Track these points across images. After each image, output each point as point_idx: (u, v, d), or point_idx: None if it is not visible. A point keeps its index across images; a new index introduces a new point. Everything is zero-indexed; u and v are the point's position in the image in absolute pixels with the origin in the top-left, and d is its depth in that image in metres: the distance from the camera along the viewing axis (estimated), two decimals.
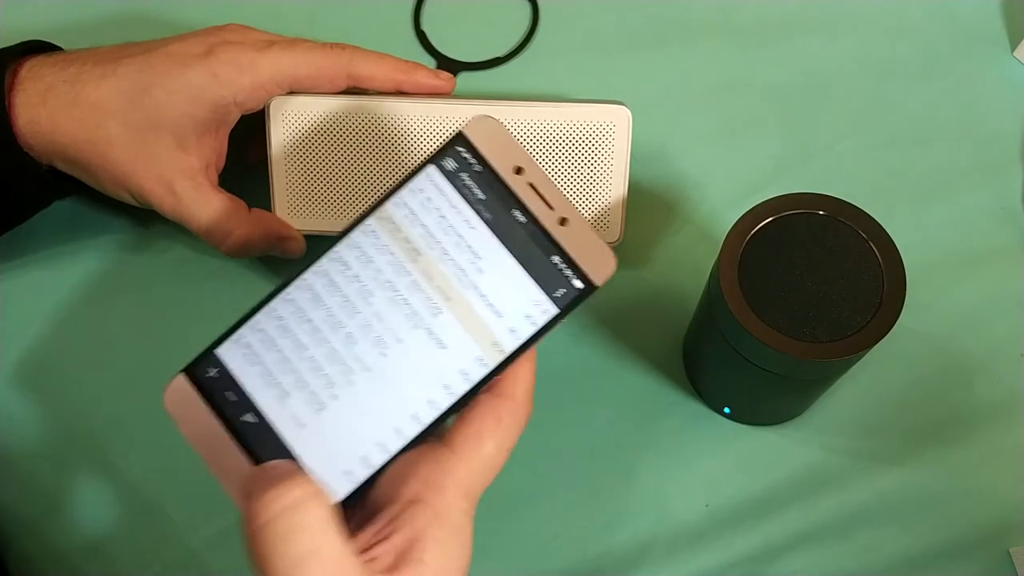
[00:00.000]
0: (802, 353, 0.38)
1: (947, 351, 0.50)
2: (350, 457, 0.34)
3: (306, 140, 0.48)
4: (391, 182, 0.48)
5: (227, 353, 0.35)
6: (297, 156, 0.48)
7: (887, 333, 0.38)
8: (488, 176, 0.36)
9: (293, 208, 0.49)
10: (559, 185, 0.48)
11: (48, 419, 0.49)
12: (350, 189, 0.48)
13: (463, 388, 0.35)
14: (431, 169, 0.36)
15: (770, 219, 0.40)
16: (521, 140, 0.47)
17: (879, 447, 0.48)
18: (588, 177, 0.47)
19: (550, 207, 0.35)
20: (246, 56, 0.45)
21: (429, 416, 0.35)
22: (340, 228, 0.43)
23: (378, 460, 0.34)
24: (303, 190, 0.48)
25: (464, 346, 0.35)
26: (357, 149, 0.48)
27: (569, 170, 0.47)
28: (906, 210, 0.53)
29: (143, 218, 0.52)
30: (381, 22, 0.59)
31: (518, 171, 0.36)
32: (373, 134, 0.48)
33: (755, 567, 0.46)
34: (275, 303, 0.36)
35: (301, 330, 0.35)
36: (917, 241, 0.51)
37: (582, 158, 0.47)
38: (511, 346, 0.35)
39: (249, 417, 0.35)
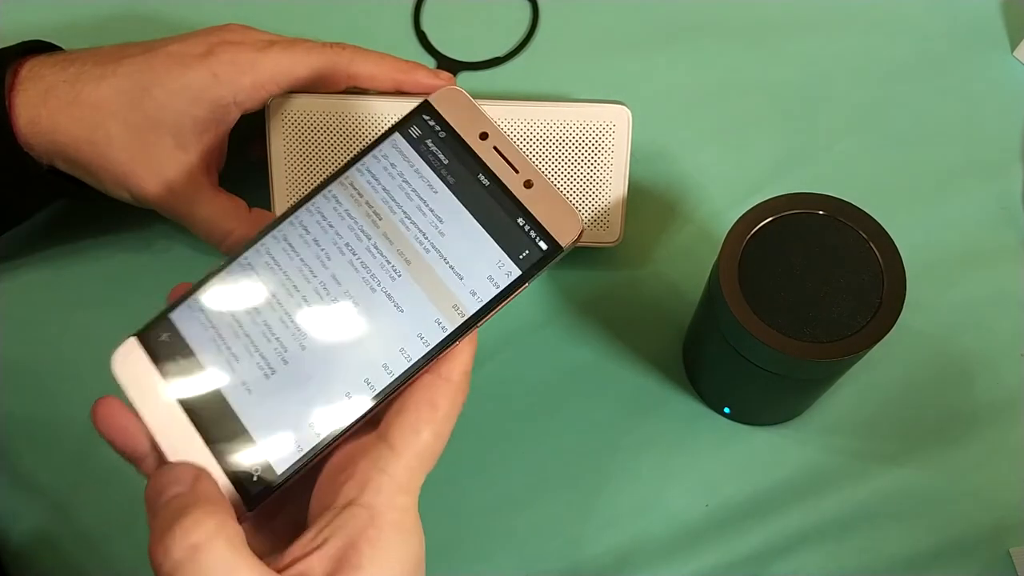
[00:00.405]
0: (802, 353, 0.38)
1: (947, 351, 0.50)
2: (298, 426, 0.34)
3: (306, 140, 0.48)
4: None
5: (180, 318, 0.35)
6: (297, 156, 0.48)
7: (887, 333, 0.38)
8: (453, 142, 0.36)
9: None
10: (560, 185, 0.48)
11: (48, 419, 0.49)
12: None
13: (420, 352, 0.34)
14: (396, 136, 0.36)
15: (770, 219, 0.40)
16: (521, 140, 0.47)
17: (879, 447, 0.48)
18: (588, 177, 0.47)
19: (515, 170, 0.35)
20: (246, 56, 0.45)
21: (383, 381, 0.34)
22: None
23: (325, 431, 0.33)
24: (303, 189, 0.48)
25: (423, 309, 0.34)
26: (357, 149, 0.48)
27: (569, 170, 0.47)
28: (906, 210, 0.53)
29: (143, 218, 0.52)
30: (381, 22, 0.59)
31: (483, 136, 0.36)
32: (373, 134, 0.48)
33: (755, 567, 0.46)
34: (232, 267, 0.35)
35: (255, 295, 0.35)
36: (917, 241, 0.51)
37: (582, 158, 0.47)
38: (472, 308, 0.34)
39: (197, 382, 0.34)
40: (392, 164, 0.36)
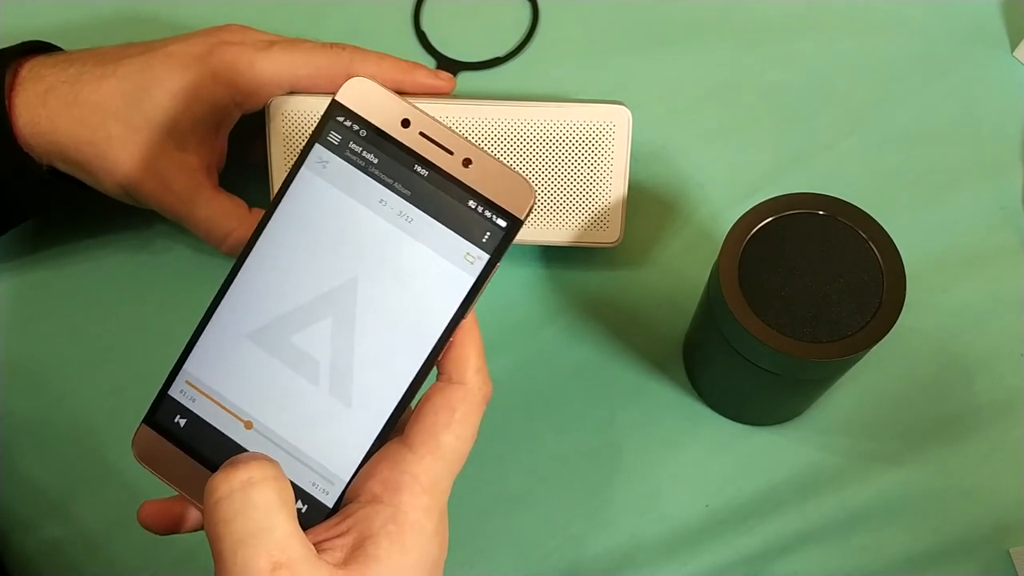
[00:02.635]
0: (802, 353, 0.38)
1: (947, 351, 0.50)
2: (332, 450, 0.34)
3: (306, 140, 0.48)
4: None
5: (180, 394, 0.35)
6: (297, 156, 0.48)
7: (887, 333, 0.38)
8: (375, 138, 0.34)
9: None
10: (559, 186, 0.48)
11: (48, 419, 0.49)
12: None
13: (414, 366, 0.34)
14: (317, 149, 0.35)
15: (770, 219, 0.40)
16: (521, 140, 0.47)
17: (879, 447, 0.48)
18: (588, 177, 0.47)
19: (449, 152, 0.34)
20: (246, 56, 0.45)
21: (398, 392, 0.34)
22: None
23: (358, 450, 0.34)
24: None
25: (399, 322, 0.34)
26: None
27: (569, 170, 0.47)
28: (906, 210, 0.53)
29: (143, 218, 0.52)
30: (381, 22, 0.59)
31: (405, 124, 0.34)
32: None
33: (755, 567, 0.46)
34: (209, 331, 0.35)
35: (241, 351, 0.35)
36: (917, 241, 0.51)
37: (582, 158, 0.47)
38: (451, 307, 0.34)
39: (215, 444, 0.35)
40: (321, 186, 0.35)
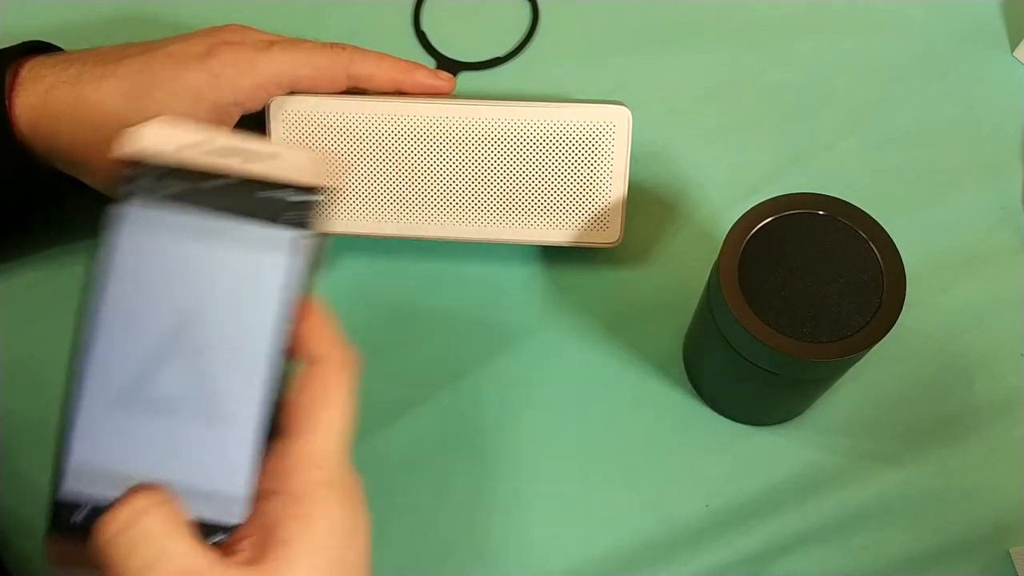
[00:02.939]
0: (802, 353, 0.38)
1: (947, 351, 0.50)
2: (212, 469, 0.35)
3: (307, 140, 0.48)
4: (391, 181, 0.48)
5: (69, 492, 0.35)
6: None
7: (887, 333, 0.38)
8: (165, 173, 0.35)
9: None
10: (559, 186, 0.48)
11: (47, 419, 0.49)
12: (350, 189, 0.48)
13: (267, 364, 0.35)
14: (116, 207, 0.35)
15: (770, 219, 0.40)
16: (521, 140, 0.47)
17: (879, 447, 0.48)
18: (588, 177, 0.47)
19: (233, 156, 0.35)
20: (246, 56, 0.45)
21: (257, 409, 0.35)
22: (340, 229, 0.43)
23: (235, 483, 0.34)
24: None
25: (242, 328, 0.35)
26: (358, 149, 0.48)
27: (569, 170, 0.47)
28: (906, 210, 0.53)
29: None
30: (381, 22, 0.59)
31: (186, 151, 0.35)
32: (374, 134, 0.48)
33: (755, 567, 0.46)
34: (77, 415, 0.36)
35: (113, 420, 0.35)
36: (917, 241, 0.51)
37: (582, 158, 0.47)
38: (283, 295, 0.35)
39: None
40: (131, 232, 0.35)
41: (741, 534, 0.47)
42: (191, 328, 0.36)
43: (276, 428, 0.34)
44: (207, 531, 0.33)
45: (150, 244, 0.36)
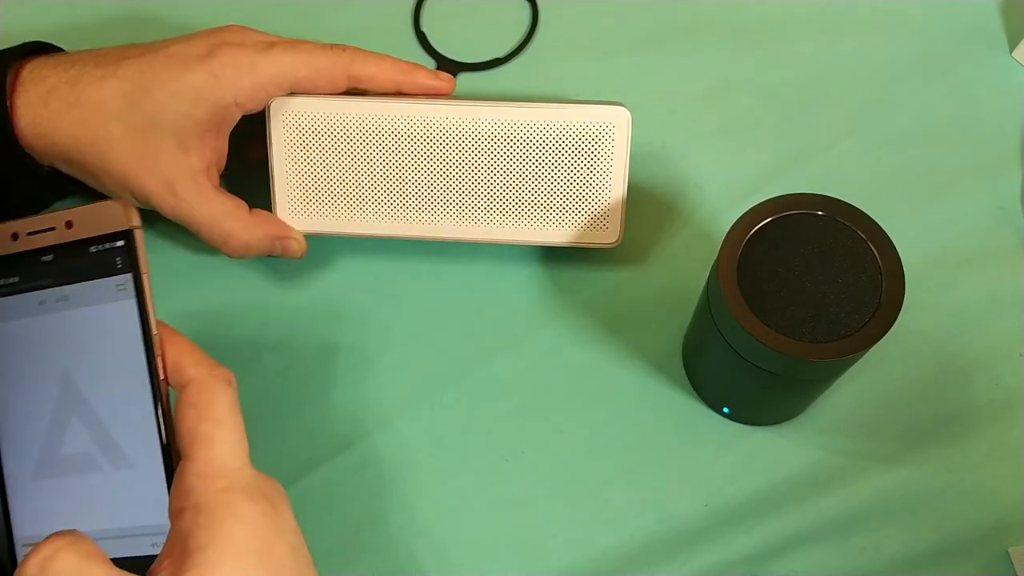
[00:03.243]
0: (801, 353, 0.38)
1: (946, 351, 0.50)
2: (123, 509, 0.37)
3: (307, 141, 0.48)
4: (392, 182, 0.48)
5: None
6: (298, 156, 0.48)
7: (886, 333, 0.38)
8: None
9: (294, 208, 0.49)
10: (558, 187, 0.48)
11: None
12: (351, 189, 0.48)
13: (149, 399, 0.37)
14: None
15: (769, 219, 0.40)
16: (520, 141, 0.47)
17: (878, 447, 0.48)
18: (588, 178, 0.48)
19: (51, 229, 0.39)
20: (247, 57, 0.45)
21: (156, 442, 0.37)
22: (341, 229, 0.45)
23: (157, 516, 0.36)
24: (304, 190, 0.48)
25: (117, 374, 0.38)
26: (358, 149, 0.48)
27: (568, 171, 0.48)
28: (905, 210, 0.53)
29: (143, 218, 0.52)
30: (381, 22, 0.59)
31: (14, 237, 0.39)
32: (374, 135, 0.48)
33: (754, 566, 0.46)
34: (8, 495, 0.39)
35: (36, 491, 0.39)
36: (916, 241, 0.51)
37: (581, 159, 0.47)
38: (136, 332, 0.38)
39: None
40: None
41: (740, 534, 0.47)
42: (74, 388, 0.39)
43: (176, 455, 0.36)
44: (135, 566, 0.34)
45: (11, 329, 0.40)
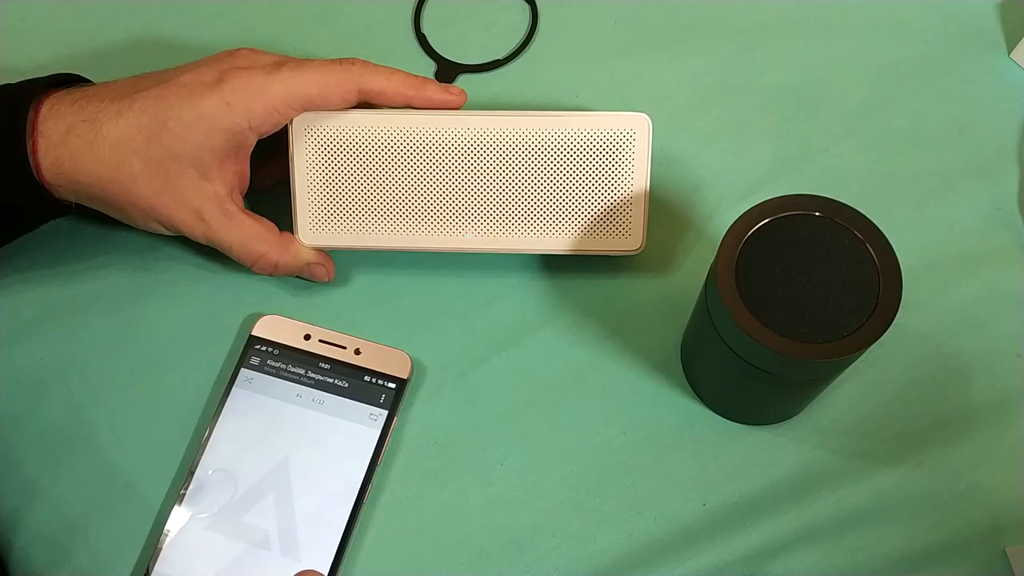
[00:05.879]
0: (799, 353, 0.38)
1: (944, 351, 0.50)
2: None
3: (330, 156, 0.48)
4: (416, 195, 0.48)
5: None
6: (319, 172, 0.48)
7: (883, 334, 0.38)
8: (286, 352, 0.48)
9: (317, 224, 0.49)
10: (580, 194, 0.48)
11: (49, 422, 0.50)
12: (374, 203, 0.48)
13: (345, 513, 0.45)
14: (243, 371, 0.48)
15: (767, 220, 0.40)
16: (542, 149, 0.47)
17: (875, 447, 0.48)
18: (610, 186, 0.48)
19: (342, 347, 0.48)
20: (257, 81, 0.45)
21: (331, 551, 0.45)
22: (363, 243, 0.48)
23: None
24: (326, 206, 0.48)
25: (327, 481, 0.46)
26: (380, 163, 0.48)
27: (591, 179, 0.48)
28: (903, 211, 0.53)
29: (169, 241, 0.52)
30: (381, 25, 0.59)
31: (307, 337, 0.49)
32: (398, 147, 0.48)
33: (752, 566, 0.46)
34: (171, 530, 0.45)
35: (203, 541, 0.44)
36: (914, 242, 0.52)
37: (604, 167, 0.47)
38: (366, 458, 0.46)
39: None
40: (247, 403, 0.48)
41: (738, 533, 0.47)
42: (282, 474, 0.45)
43: (337, 569, 0.44)
44: None
45: (265, 404, 0.47)
